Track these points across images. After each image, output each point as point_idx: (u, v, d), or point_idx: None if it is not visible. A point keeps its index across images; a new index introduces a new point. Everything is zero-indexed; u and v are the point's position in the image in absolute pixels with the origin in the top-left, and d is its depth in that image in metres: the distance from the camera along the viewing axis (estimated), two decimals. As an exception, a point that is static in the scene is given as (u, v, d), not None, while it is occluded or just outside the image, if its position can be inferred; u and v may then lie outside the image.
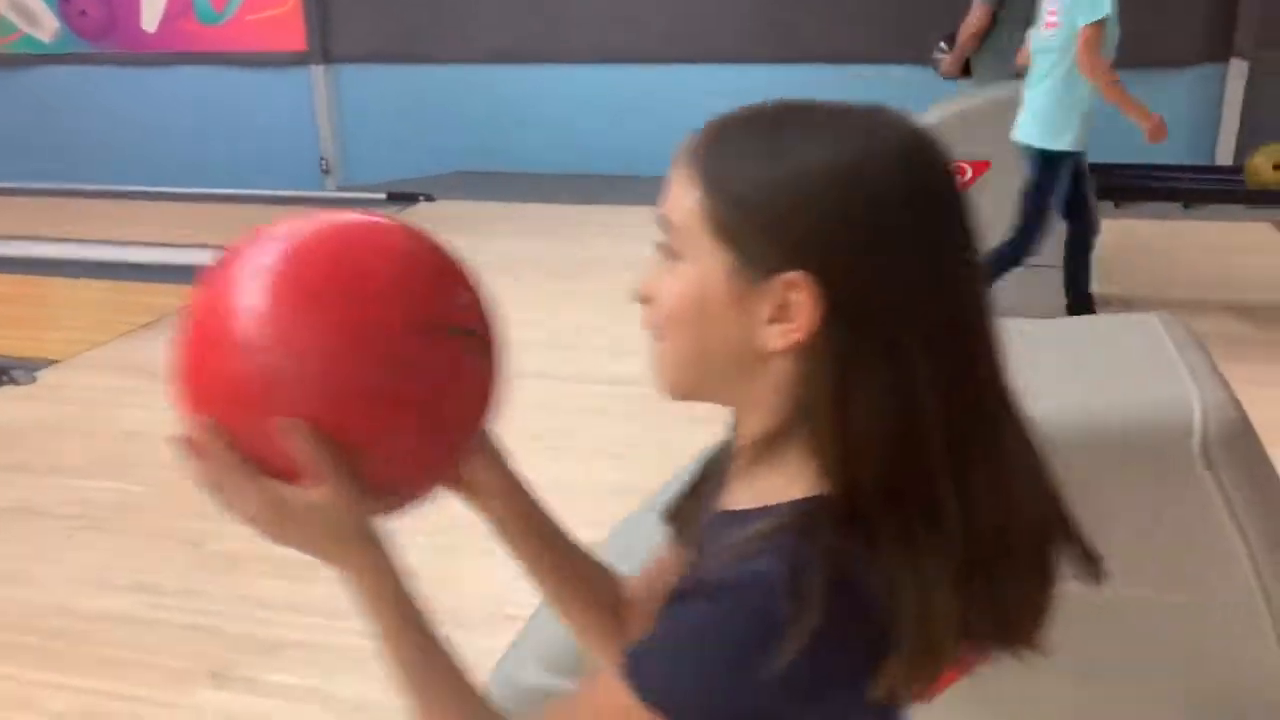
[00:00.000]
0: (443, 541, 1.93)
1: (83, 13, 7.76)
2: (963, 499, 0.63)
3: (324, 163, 7.66)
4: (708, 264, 0.66)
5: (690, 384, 0.71)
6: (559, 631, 1.05)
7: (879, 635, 0.62)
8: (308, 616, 2.42)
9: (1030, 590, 0.68)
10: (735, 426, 0.73)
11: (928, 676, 0.64)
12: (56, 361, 4.14)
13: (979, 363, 0.66)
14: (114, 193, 7.31)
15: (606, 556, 0.90)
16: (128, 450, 3.34)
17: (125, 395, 3.82)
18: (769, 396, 0.67)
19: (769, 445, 0.67)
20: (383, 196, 6.74)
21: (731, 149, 0.66)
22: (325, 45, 7.40)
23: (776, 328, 0.64)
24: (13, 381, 3.89)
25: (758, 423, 0.68)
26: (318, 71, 7.47)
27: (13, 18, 7.82)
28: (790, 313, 0.63)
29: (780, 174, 0.64)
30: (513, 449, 0.85)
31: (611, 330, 4.02)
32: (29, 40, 7.86)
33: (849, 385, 0.63)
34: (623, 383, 3.39)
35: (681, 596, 0.65)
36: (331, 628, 2.34)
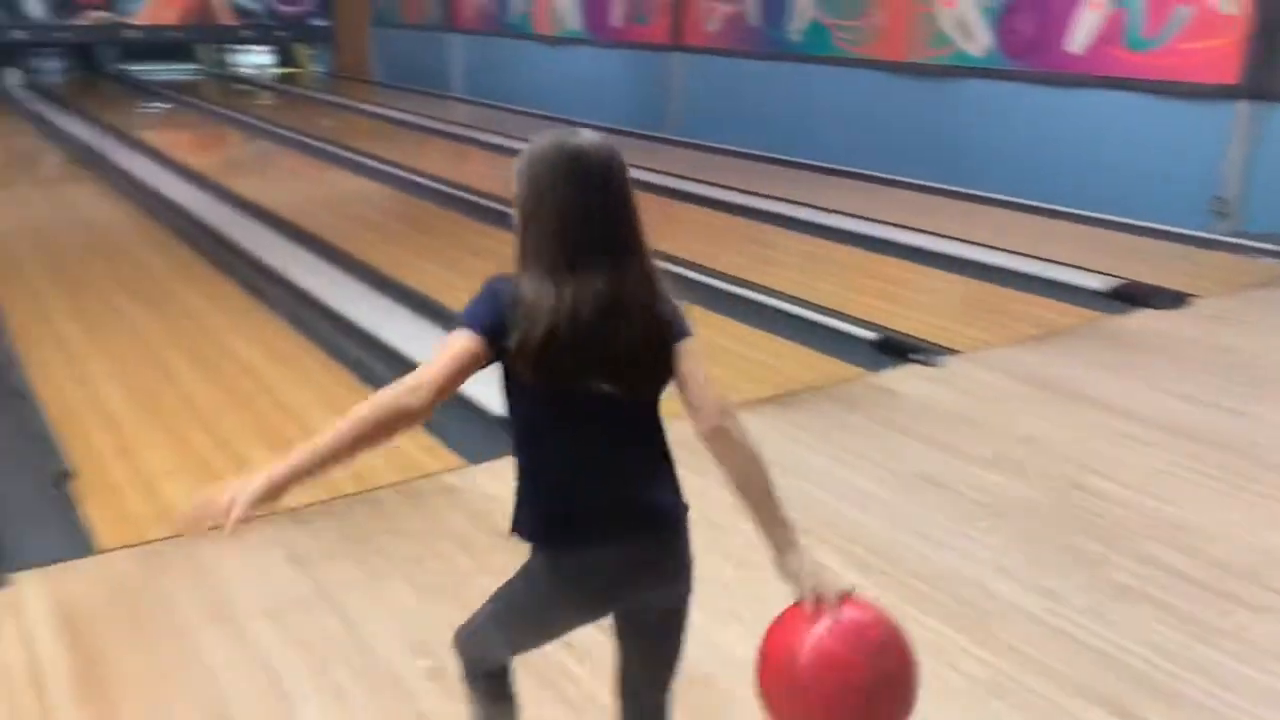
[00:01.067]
0: None
1: (1014, 30, 8.29)
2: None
3: (1220, 203, 7.20)
4: None
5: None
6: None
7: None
8: (1208, 679, 2.36)
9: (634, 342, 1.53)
10: None
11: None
12: (958, 352, 4.57)
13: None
14: (996, 200, 7.82)
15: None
16: (1025, 453, 3.56)
17: (1018, 399, 4.08)
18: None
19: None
20: (1284, 249, 6.20)
21: None
22: (1263, 82, 6.90)
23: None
24: (924, 362, 4.40)
25: None
26: (1242, 108, 7.01)
27: (952, 32, 8.67)
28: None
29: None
30: None
31: None
32: (962, 55, 8.65)
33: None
34: None
35: None
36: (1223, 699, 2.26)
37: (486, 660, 1.76)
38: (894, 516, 3.12)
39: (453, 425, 3.69)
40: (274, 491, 1.49)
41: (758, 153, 10.17)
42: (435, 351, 1.48)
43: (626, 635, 1.70)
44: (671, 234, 7.20)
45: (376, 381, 3.92)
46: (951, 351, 4.56)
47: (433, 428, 3.63)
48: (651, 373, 1.56)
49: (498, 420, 3.64)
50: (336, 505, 3.11)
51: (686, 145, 10.89)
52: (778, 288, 5.60)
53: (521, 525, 1.60)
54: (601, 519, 1.57)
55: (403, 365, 4.09)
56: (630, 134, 11.61)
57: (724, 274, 5.88)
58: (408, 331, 4.66)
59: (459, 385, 1.49)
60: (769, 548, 1.56)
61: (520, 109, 13.53)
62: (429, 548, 2.90)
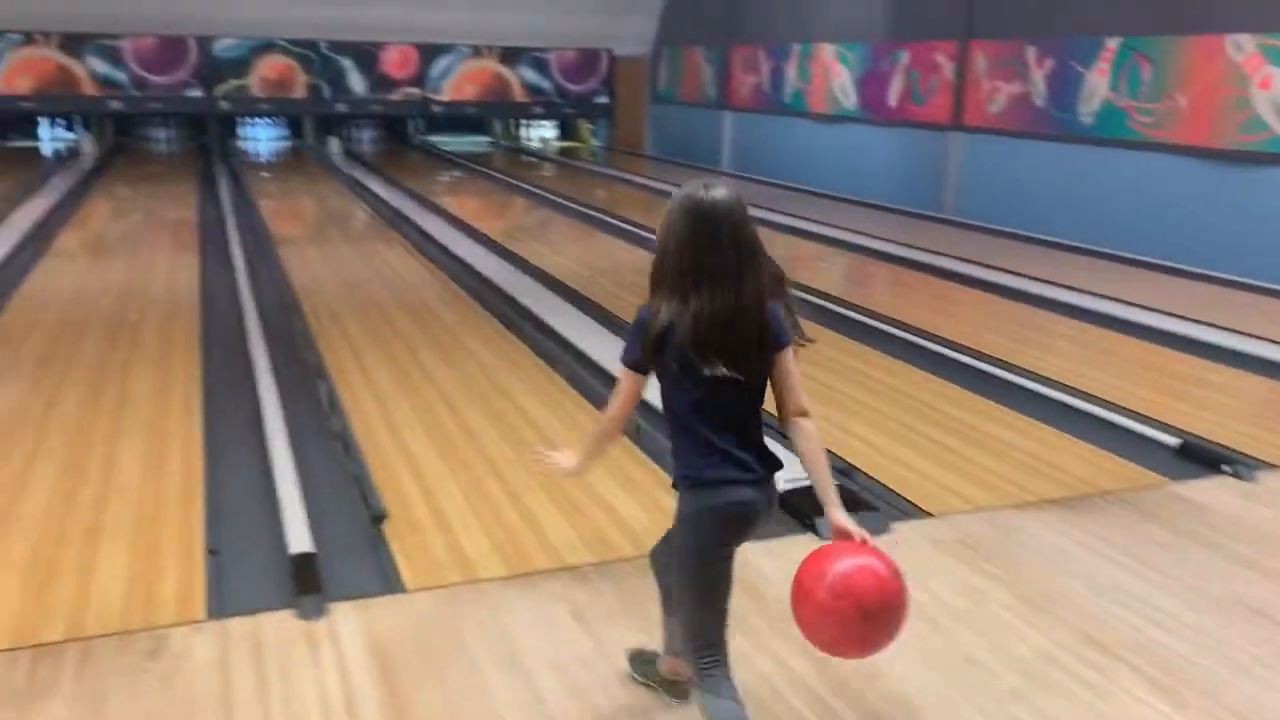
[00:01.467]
0: None
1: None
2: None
3: None
4: None
5: None
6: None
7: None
8: None
9: (748, 341, 2.08)
10: None
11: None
12: (1275, 467, 4.18)
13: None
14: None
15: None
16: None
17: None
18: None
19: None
20: None
21: None
22: None
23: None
24: (1235, 474, 4.05)
25: None
26: None
27: (1269, 117, 8.05)
28: None
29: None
30: None
31: None
32: (1276, 140, 8.02)
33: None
34: None
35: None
36: None
37: (707, 648, 2.18)
38: (1206, 643, 2.87)
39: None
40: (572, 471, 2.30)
41: (1037, 236, 9.81)
42: (616, 389, 2.19)
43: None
44: (943, 315, 7.04)
45: (653, 447, 4.08)
46: (1264, 464, 4.18)
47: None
48: (760, 365, 2.12)
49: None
50: (617, 568, 3.22)
51: (962, 226, 10.66)
52: (1053, 376, 5.37)
53: (683, 479, 2.16)
54: (737, 467, 2.12)
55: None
56: (904, 212, 11.51)
57: (993, 358, 5.71)
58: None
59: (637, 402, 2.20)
60: (823, 504, 2.16)
61: (787, 184, 13.71)
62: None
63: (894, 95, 12.41)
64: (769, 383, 2.17)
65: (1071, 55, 9.83)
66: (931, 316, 6.89)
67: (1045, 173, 10.20)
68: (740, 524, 2.15)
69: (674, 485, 2.20)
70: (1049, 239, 9.64)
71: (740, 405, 2.13)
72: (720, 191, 2.08)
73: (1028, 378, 5.35)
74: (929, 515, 3.70)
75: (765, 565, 3.20)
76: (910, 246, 9.29)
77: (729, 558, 2.18)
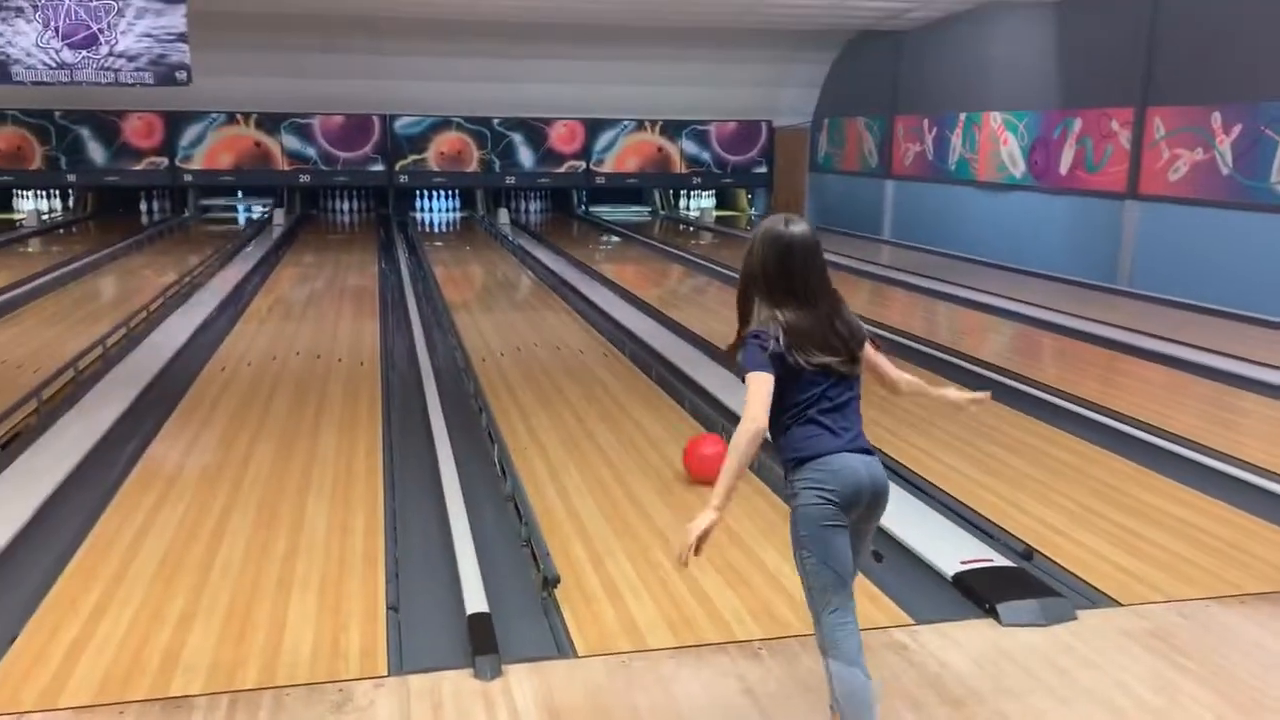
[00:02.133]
0: None
1: None
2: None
3: None
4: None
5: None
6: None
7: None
8: None
9: (845, 339, 2.50)
10: None
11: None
12: None
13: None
14: None
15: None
16: None
17: None
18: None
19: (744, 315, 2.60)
20: None
21: None
22: None
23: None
24: None
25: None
26: None
27: None
28: None
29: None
30: None
31: None
32: None
33: None
34: None
35: (745, 339, 2.51)
36: None
37: (827, 633, 2.45)
38: None
39: (888, 577, 3.66)
40: (717, 517, 2.37)
41: (1221, 308, 9.29)
42: (750, 392, 2.40)
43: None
44: (1122, 390, 6.73)
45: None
46: None
47: (876, 577, 3.62)
48: (857, 356, 2.51)
49: (942, 579, 3.58)
50: (786, 645, 3.18)
51: (1139, 298, 10.20)
52: (1245, 458, 5.04)
53: (793, 459, 2.47)
54: (849, 446, 2.46)
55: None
56: (1076, 283, 11.12)
57: (1179, 437, 5.41)
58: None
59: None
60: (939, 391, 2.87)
61: (950, 253, 13.44)
62: (883, 705, 2.86)
63: (1065, 163, 12.06)
64: (863, 371, 2.58)
65: (1262, 120, 9.36)
66: (1108, 391, 6.60)
67: (1232, 243, 9.67)
68: (852, 492, 2.43)
69: (785, 469, 2.51)
70: (1237, 313, 9.11)
71: (849, 391, 2.51)
72: (799, 226, 2.52)
73: (1220, 459, 5.04)
74: (1117, 604, 3.51)
75: (946, 653, 3.10)
76: (1083, 318, 8.95)
77: (845, 525, 2.44)
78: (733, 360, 2.56)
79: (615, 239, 16.38)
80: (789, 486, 2.50)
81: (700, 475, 4.61)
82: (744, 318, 2.55)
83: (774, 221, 2.53)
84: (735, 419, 5.60)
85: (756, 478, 4.73)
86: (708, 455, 4.59)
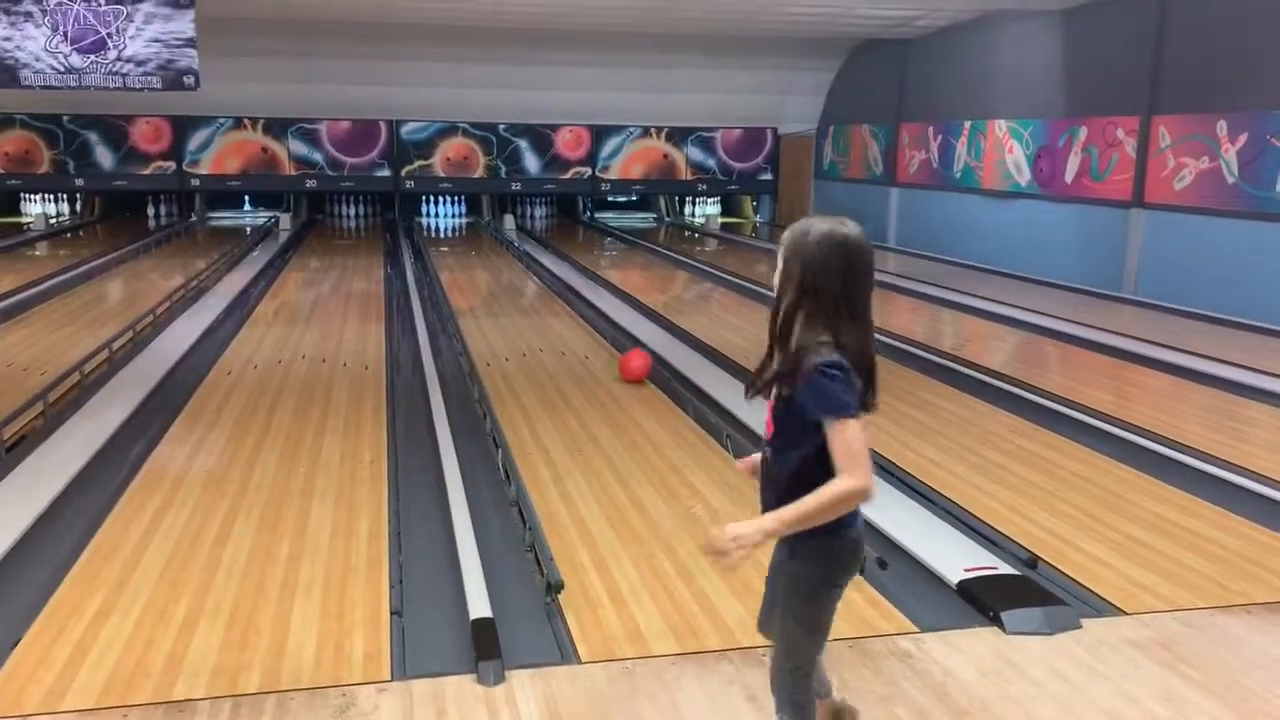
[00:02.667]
0: None
1: None
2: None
3: None
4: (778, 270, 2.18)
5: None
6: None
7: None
8: None
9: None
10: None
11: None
12: None
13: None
14: None
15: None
16: None
17: None
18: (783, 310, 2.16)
19: (788, 327, 2.14)
20: None
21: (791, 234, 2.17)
22: None
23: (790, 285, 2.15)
24: None
25: (777, 318, 2.17)
26: None
27: None
28: None
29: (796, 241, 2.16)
30: None
31: None
32: None
33: None
34: None
35: (821, 371, 2.04)
36: None
37: (799, 685, 2.32)
38: None
39: (893, 584, 3.65)
40: (763, 541, 2.09)
41: (1227, 316, 9.27)
42: (854, 442, 2.04)
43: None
44: (1128, 399, 6.72)
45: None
46: None
47: (880, 584, 3.62)
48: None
49: (946, 587, 3.57)
50: (790, 651, 3.17)
51: (1145, 306, 10.19)
52: (1253, 468, 5.02)
53: (836, 525, 2.13)
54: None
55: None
56: (1081, 291, 11.11)
57: (1187, 447, 5.39)
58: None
59: None
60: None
61: (955, 261, 13.44)
62: (886, 712, 2.86)
63: (1070, 171, 12.06)
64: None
65: (1268, 129, 9.35)
66: (1114, 399, 6.59)
67: (1238, 252, 9.66)
68: (857, 559, 2.27)
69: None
70: (1244, 321, 9.10)
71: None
72: (855, 226, 2.16)
73: (1226, 468, 5.03)
74: (1122, 613, 3.50)
75: (951, 661, 3.09)
76: (1088, 326, 8.94)
77: (841, 593, 2.30)
78: (763, 384, 2.20)
79: (620, 245, 16.39)
80: (806, 543, 2.18)
81: (629, 377, 6.77)
82: (784, 338, 2.14)
83: (829, 224, 2.13)
84: (741, 426, 5.63)
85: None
86: (635, 366, 6.77)
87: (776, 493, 2.18)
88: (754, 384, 2.24)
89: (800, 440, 2.11)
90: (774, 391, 2.19)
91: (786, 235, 2.18)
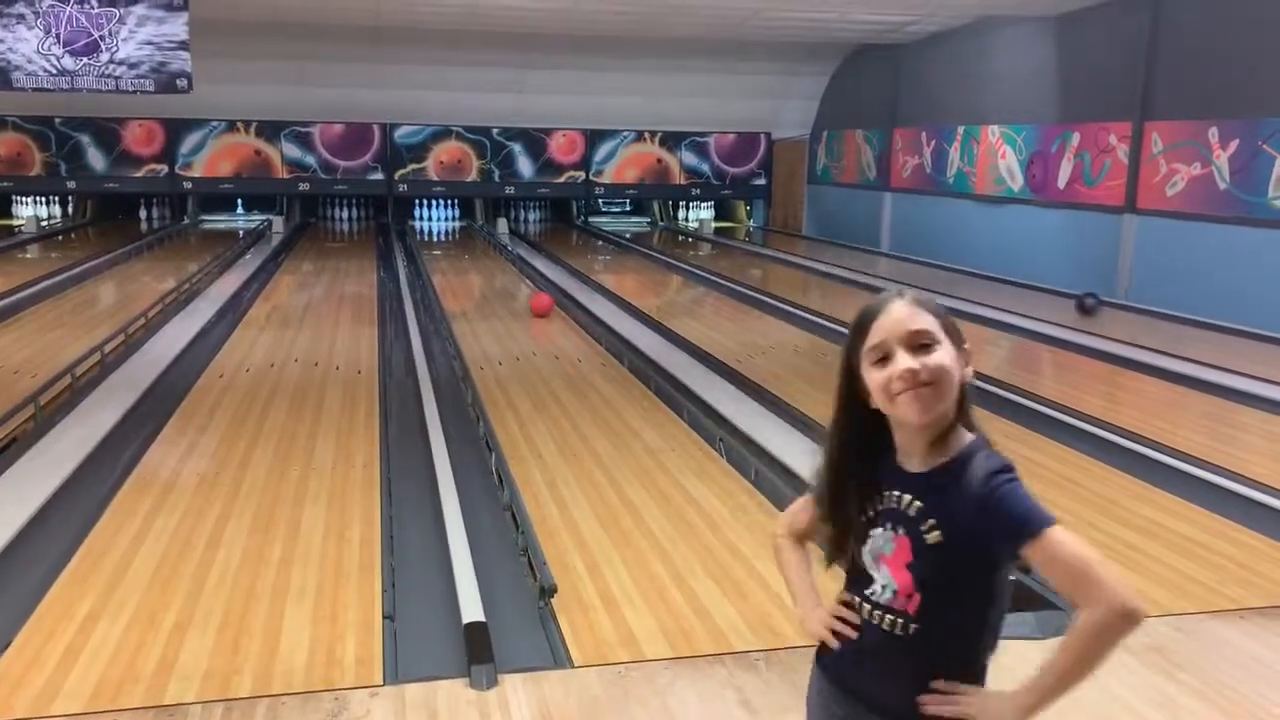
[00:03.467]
0: None
1: None
2: None
3: None
4: (948, 347, 1.54)
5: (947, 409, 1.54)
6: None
7: None
8: None
9: None
10: (922, 426, 1.54)
11: None
12: None
13: None
14: None
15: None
16: None
17: None
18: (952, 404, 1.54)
19: (950, 426, 1.55)
20: None
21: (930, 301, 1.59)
22: None
23: (969, 369, 1.57)
24: None
25: (944, 418, 1.54)
26: None
27: None
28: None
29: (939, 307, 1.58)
30: None
31: None
32: None
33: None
34: None
35: (997, 480, 1.50)
36: None
37: None
38: None
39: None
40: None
41: (1219, 323, 9.30)
42: (1084, 544, 1.51)
43: None
44: (1121, 405, 6.73)
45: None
46: None
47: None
48: None
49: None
50: (784, 656, 3.17)
51: (1138, 311, 10.21)
52: (1246, 474, 5.03)
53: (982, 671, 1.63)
54: None
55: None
56: (1073, 296, 11.13)
57: (1180, 452, 5.40)
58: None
59: None
60: None
61: (948, 265, 13.46)
62: (878, 716, 2.85)
63: (1063, 177, 12.09)
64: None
65: (1259, 136, 9.39)
66: (1107, 405, 6.60)
67: (1230, 258, 9.69)
68: None
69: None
70: (1236, 327, 9.12)
71: None
72: None
73: (1219, 474, 5.03)
74: (1115, 618, 3.49)
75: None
76: (1081, 331, 8.96)
77: None
78: (879, 523, 1.60)
79: (613, 249, 16.39)
80: None
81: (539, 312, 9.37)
82: (941, 442, 1.56)
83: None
84: (736, 431, 5.63)
85: (759, 492, 4.73)
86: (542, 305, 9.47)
87: (915, 669, 1.56)
88: (860, 532, 1.60)
89: (969, 590, 1.55)
90: (892, 536, 1.57)
91: (924, 298, 1.58)
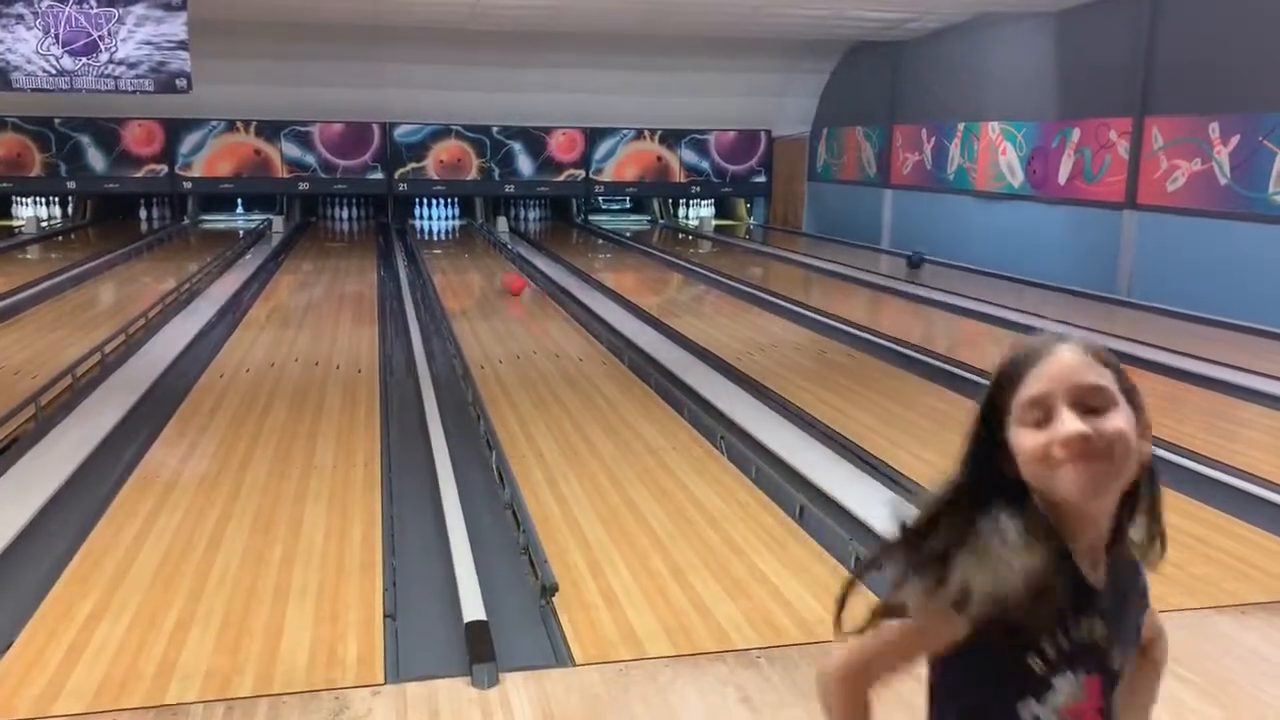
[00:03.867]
0: None
1: None
2: None
3: None
4: (1126, 411, 1.17)
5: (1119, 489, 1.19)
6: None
7: None
8: None
9: None
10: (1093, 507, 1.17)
11: None
12: None
13: None
14: None
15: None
16: None
17: None
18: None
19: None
20: None
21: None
22: None
23: (1148, 445, 1.19)
24: None
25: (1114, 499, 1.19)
26: None
27: None
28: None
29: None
30: None
31: None
32: None
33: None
34: None
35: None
36: None
37: None
38: None
39: (886, 587, 3.65)
40: None
41: (1220, 318, 9.29)
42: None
43: None
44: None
45: (815, 528, 4.03)
46: None
47: (874, 587, 3.60)
48: None
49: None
50: (784, 653, 3.17)
51: (1138, 307, 10.21)
52: (1246, 469, 5.03)
53: None
54: None
55: (843, 516, 4.16)
56: (1074, 292, 11.12)
57: (1181, 447, 5.39)
58: (844, 481, 4.72)
59: None
60: None
61: (949, 261, 13.45)
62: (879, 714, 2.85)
63: (1064, 173, 12.08)
64: None
65: (1260, 131, 9.38)
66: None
67: (1230, 254, 9.69)
68: None
69: None
70: (1237, 323, 9.12)
71: None
72: None
73: (1220, 469, 5.03)
74: (1116, 613, 3.49)
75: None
76: (1082, 327, 8.95)
77: None
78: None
79: (613, 247, 16.39)
80: None
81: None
82: (1130, 515, 1.25)
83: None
84: (737, 429, 5.63)
85: (758, 488, 4.73)
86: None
87: None
88: (1027, 685, 1.20)
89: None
90: (1083, 681, 1.20)
91: (1097, 346, 1.24)
